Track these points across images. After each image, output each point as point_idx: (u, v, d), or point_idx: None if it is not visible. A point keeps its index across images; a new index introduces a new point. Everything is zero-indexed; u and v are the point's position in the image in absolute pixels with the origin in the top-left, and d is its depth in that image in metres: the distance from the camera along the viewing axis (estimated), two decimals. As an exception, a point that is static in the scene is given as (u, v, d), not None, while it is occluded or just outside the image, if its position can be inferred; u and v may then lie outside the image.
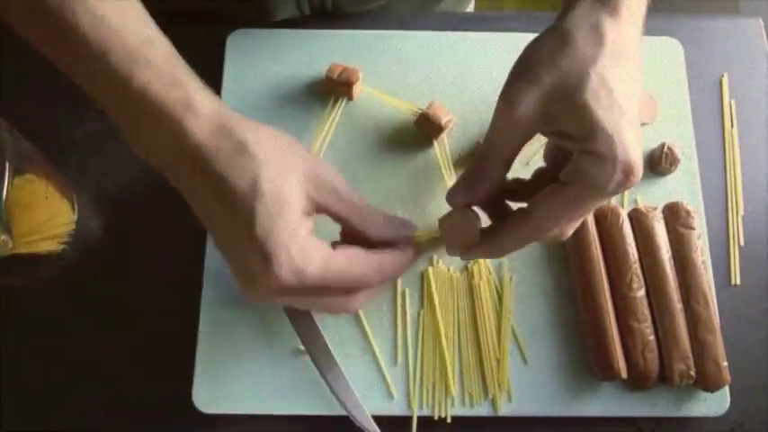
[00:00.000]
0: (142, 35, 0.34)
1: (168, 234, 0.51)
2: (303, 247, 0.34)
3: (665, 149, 0.51)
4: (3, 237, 0.40)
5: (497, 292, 0.49)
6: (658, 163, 0.52)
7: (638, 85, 0.35)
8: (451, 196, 0.40)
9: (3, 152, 0.40)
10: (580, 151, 0.34)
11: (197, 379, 0.47)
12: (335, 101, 0.54)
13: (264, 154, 0.34)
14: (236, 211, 0.33)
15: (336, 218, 0.38)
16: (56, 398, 0.48)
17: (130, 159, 0.53)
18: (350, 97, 0.53)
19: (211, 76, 0.54)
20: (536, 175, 0.42)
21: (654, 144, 0.53)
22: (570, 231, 0.39)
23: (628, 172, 0.33)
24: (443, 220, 0.41)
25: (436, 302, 0.49)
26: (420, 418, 0.47)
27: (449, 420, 0.47)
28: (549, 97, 0.34)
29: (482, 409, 0.47)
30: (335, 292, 0.37)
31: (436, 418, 0.47)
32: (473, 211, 0.40)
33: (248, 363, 0.48)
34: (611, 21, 0.34)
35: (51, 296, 0.50)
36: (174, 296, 0.50)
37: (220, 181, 0.33)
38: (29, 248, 0.47)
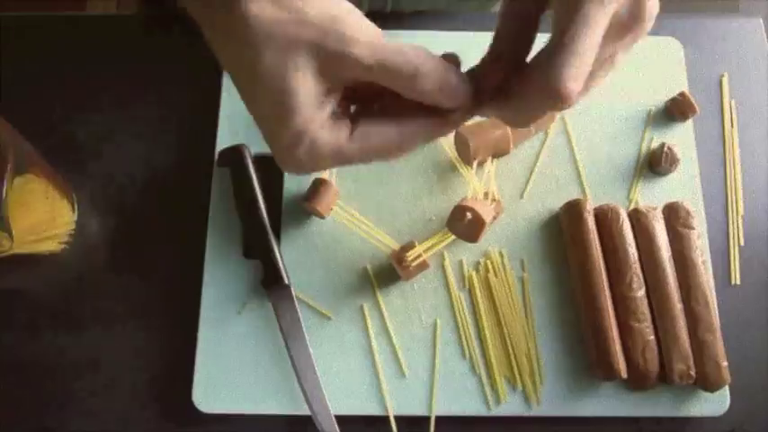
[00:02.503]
0: None
1: (168, 234, 0.51)
2: (309, 149, 0.30)
3: (665, 149, 0.51)
4: (3, 237, 0.40)
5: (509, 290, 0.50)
6: (658, 163, 0.52)
7: None
8: (489, 74, 0.32)
9: (3, 152, 0.40)
10: None
11: (197, 379, 0.47)
12: None
13: (262, 33, 0.28)
14: (253, 106, 0.30)
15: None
16: (55, 397, 0.48)
17: (130, 159, 0.53)
18: None
19: (209, 75, 0.54)
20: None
21: (654, 144, 0.53)
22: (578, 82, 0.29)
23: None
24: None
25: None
26: (411, 418, 0.47)
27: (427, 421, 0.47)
28: None
29: (482, 410, 0.47)
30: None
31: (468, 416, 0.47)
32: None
33: (248, 363, 0.48)
34: None
35: (51, 296, 0.50)
36: (174, 296, 0.50)
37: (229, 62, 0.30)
38: (29, 248, 0.47)
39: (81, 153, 0.53)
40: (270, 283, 0.49)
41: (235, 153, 0.50)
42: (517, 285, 0.50)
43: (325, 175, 0.50)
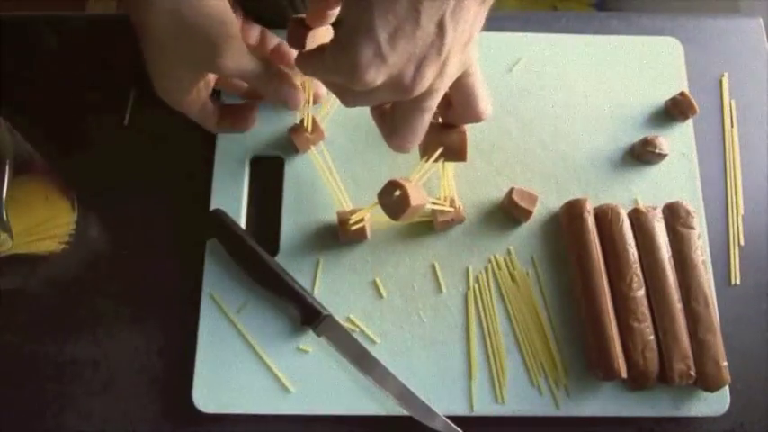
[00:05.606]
0: None
1: (168, 234, 0.51)
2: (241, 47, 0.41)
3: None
4: (3, 237, 0.40)
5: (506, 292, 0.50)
6: (642, 154, 0.52)
7: None
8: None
9: (3, 152, 0.40)
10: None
11: (197, 379, 0.47)
12: None
13: None
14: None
15: None
16: (55, 397, 0.48)
17: (130, 159, 0.53)
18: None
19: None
20: None
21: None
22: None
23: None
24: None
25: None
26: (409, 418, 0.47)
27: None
28: None
29: (482, 410, 0.47)
30: None
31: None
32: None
33: (248, 362, 0.48)
34: None
35: (51, 296, 0.50)
36: (174, 296, 0.50)
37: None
38: (29, 248, 0.47)
39: (81, 153, 0.53)
40: (311, 320, 0.48)
41: (215, 219, 0.49)
42: (519, 284, 0.50)
43: (319, 116, 0.51)
